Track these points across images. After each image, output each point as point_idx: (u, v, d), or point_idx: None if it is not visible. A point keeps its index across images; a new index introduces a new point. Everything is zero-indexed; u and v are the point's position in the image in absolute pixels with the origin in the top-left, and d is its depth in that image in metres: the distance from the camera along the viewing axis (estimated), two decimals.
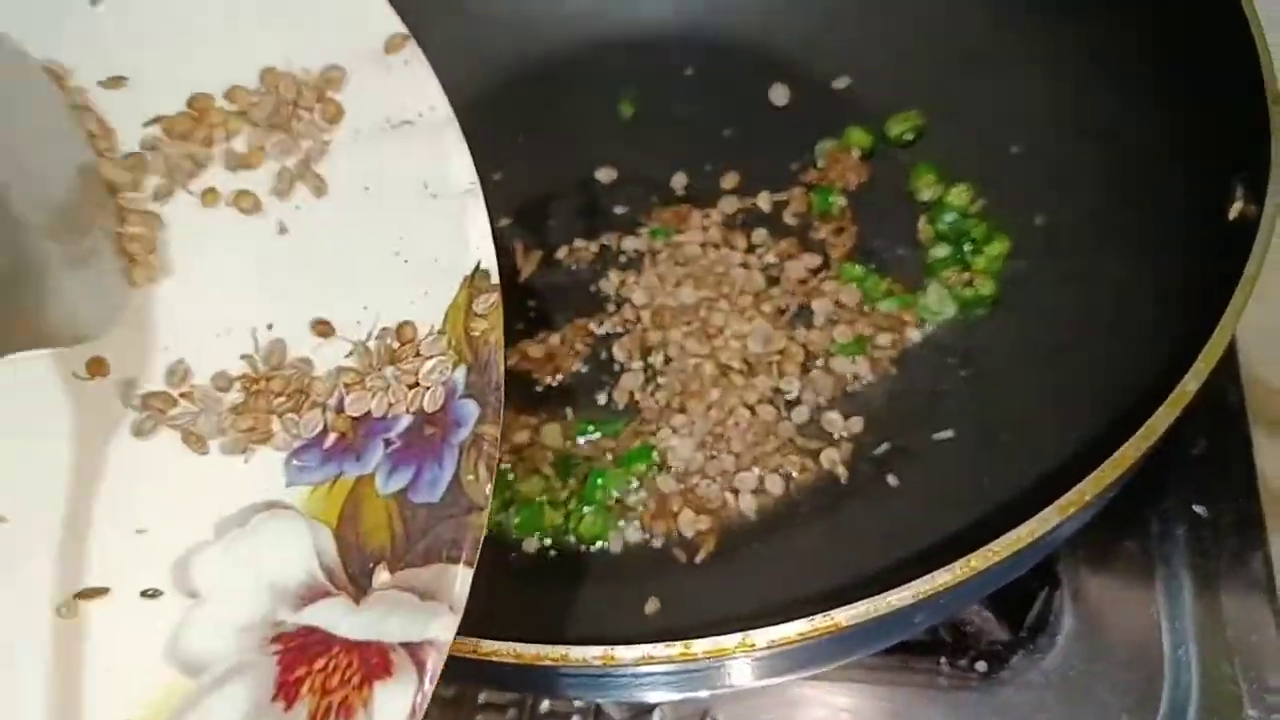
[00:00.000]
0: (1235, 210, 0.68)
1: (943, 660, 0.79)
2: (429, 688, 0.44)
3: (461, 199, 0.58)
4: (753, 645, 0.52)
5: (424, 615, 0.46)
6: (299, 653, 0.45)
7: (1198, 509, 0.85)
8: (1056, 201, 0.85)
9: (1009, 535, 0.54)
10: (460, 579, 0.47)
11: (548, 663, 0.53)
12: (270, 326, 0.57)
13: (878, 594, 0.53)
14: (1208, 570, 0.82)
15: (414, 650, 0.45)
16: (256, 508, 0.50)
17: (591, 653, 0.53)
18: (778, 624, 0.52)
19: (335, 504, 0.50)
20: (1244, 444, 0.88)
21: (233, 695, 0.45)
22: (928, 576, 0.53)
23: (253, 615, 0.47)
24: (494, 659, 0.54)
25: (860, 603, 0.52)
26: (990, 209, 0.88)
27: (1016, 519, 0.55)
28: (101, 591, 0.48)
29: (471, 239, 0.58)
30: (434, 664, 0.45)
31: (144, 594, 0.48)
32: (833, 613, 0.52)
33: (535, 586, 0.75)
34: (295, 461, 0.53)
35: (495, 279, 0.57)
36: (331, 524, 0.49)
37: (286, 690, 0.45)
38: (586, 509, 0.77)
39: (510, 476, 0.79)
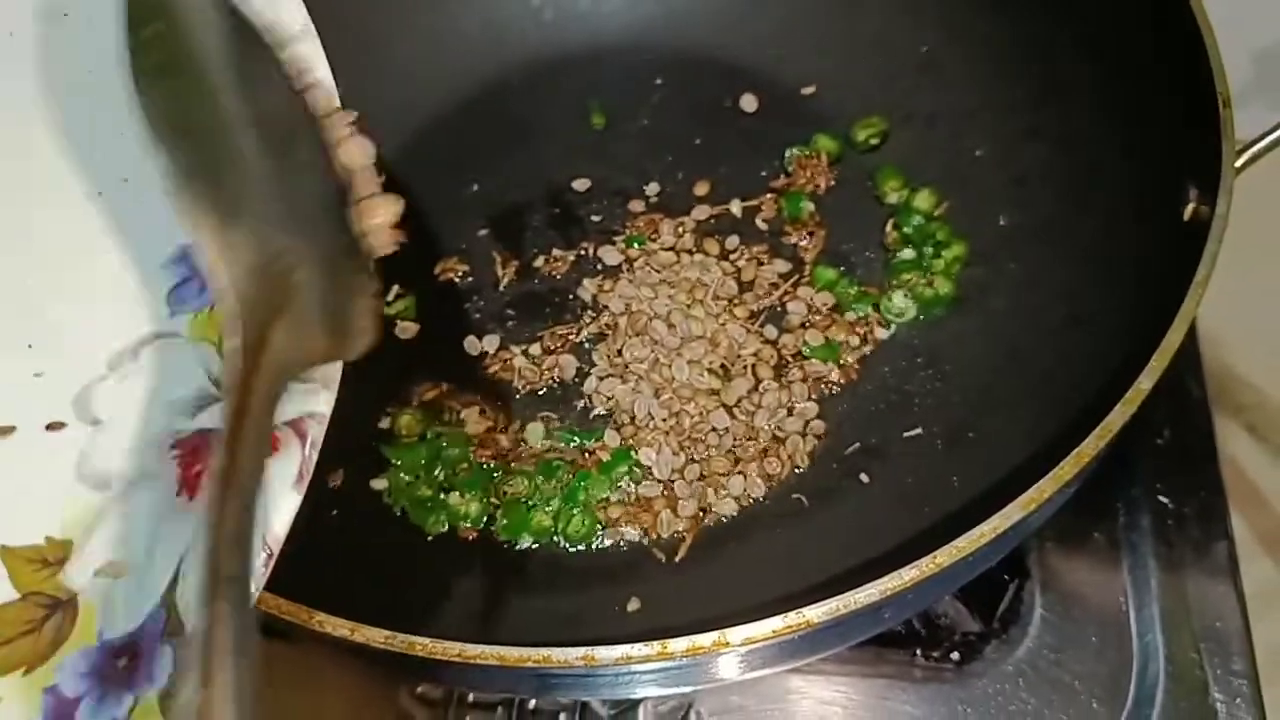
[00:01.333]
0: (1189, 212, 0.70)
1: (917, 652, 0.81)
2: (310, 453, 0.50)
3: None
4: (728, 643, 0.54)
5: (303, 397, 0.51)
6: (196, 453, 0.51)
7: (1163, 499, 0.87)
8: (1016, 204, 0.87)
9: (972, 532, 0.56)
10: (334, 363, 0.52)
11: (531, 665, 0.55)
12: None
13: (846, 592, 0.55)
14: (1173, 558, 0.84)
15: (295, 425, 0.50)
16: (145, 339, 0.54)
17: (573, 654, 0.55)
18: (751, 622, 0.54)
19: (215, 325, 0.54)
20: (1207, 435, 0.90)
21: (141, 499, 0.50)
22: (894, 574, 0.55)
23: (152, 431, 0.52)
24: (479, 662, 0.55)
25: (829, 600, 0.54)
26: (954, 212, 0.90)
27: (984, 515, 0.57)
28: (7, 430, 0.52)
29: None
30: (314, 433, 0.50)
31: (49, 427, 0.52)
32: (804, 610, 0.54)
33: (520, 589, 0.76)
34: (175, 295, 0.56)
35: None
36: (214, 341, 0.54)
37: (189, 485, 0.50)
38: (575, 511, 0.79)
39: (494, 477, 0.81)
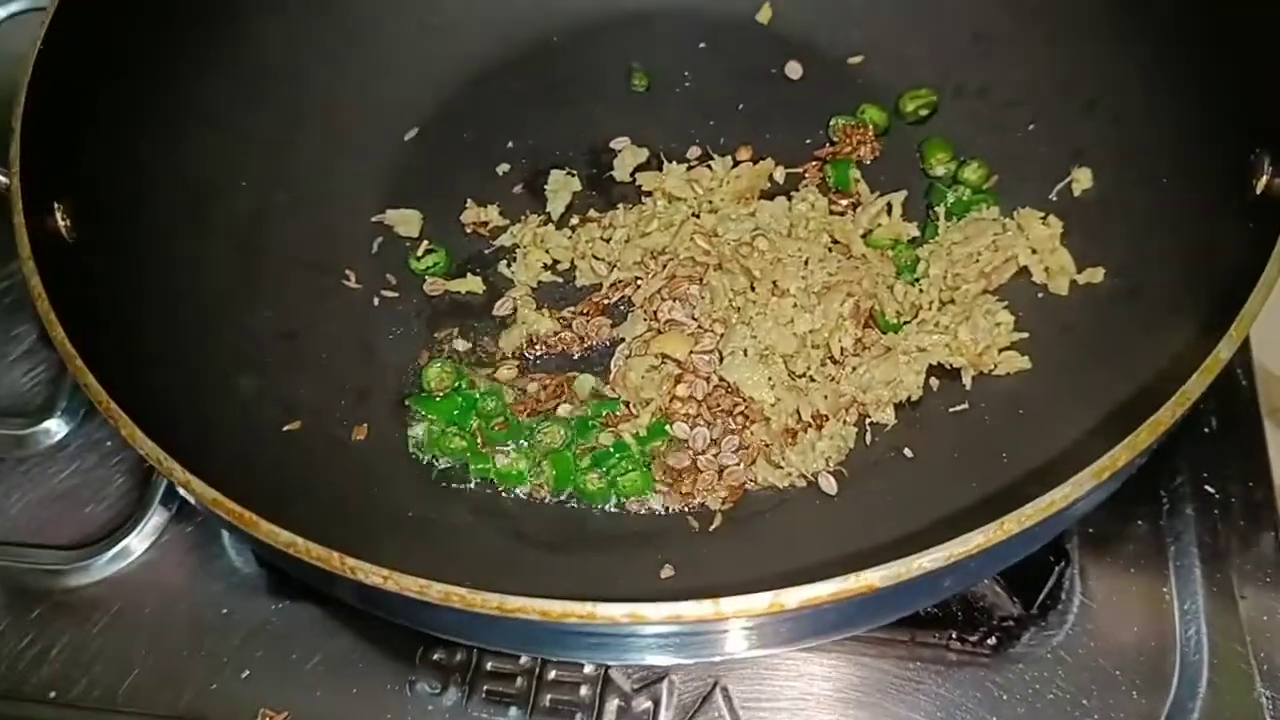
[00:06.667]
0: (1261, 184, 0.67)
1: (953, 635, 0.78)
2: None
3: None
4: (783, 607, 0.51)
5: None
6: None
7: (1209, 488, 0.84)
8: (1071, 179, 0.84)
9: (1043, 499, 0.53)
10: None
11: (574, 619, 0.52)
12: None
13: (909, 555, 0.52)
14: (1218, 549, 0.81)
15: None
16: None
17: (618, 610, 0.52)
18: (810, 584, 0.51)
19: None
20: (1255, 425, 0.87)
21: None
22: (962, 538, 0.52)
23: None
24: (518, 615, 0.53)
25: (894, 563, 0.52)
26: (1005, 186, 0.87)
27: (1041, 488, 0.54)
28: None
29: None
30: None
31: None
32: (865, 573, 0.52)
33: (552, 552, 0.74)
34: None
35: None
36: None
37: None
38: (627, 466, 0.77)
39: (532, 429, 0.79)
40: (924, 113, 0.92)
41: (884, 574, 0.51)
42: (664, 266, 0.84)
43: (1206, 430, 0.87)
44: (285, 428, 0.77)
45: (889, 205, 0.86)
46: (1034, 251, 0.82)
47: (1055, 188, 0.85)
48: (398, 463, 0.79)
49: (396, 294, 0.87)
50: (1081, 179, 0.84)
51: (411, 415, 0.81)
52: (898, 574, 0.51)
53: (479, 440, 0.79)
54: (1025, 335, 0.80)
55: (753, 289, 0.82)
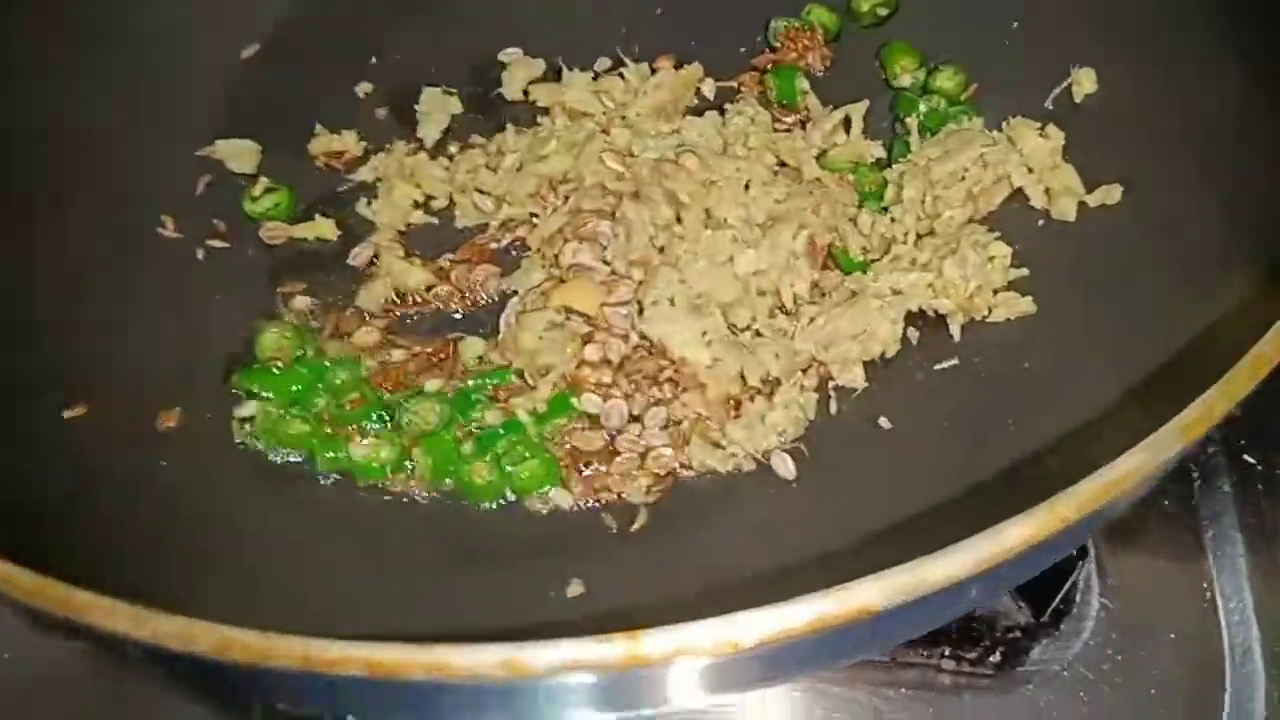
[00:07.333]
0: None
1: (945, 652, 0.66)
2: None
3: None
4: (737, 646, 0.34)
5: None
6: None
7: (1248, 458, 0.72)
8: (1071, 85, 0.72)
9: (1108, 470, 0.37)
10: None
11: (419, 675, 0.35)
12: None
13: (912, 561, 0.36)
14: (1266, 530, 0.70)
15: None
16: None
17: (486, 657, 0.35)
18: (777, 606, 0.33)
19: None
20: None
21: None
22: (992, 531, 0.36)
23: None
24: (336, 671, 0.35)
25: (898, 571, 0.35)
26: (986, 95, 0.74)
27: (1072, 464, 0.40)
28: None
29: None
30: None
31: None
32: (855, 589, 0.35)
33: (421, 570, 0.60)
34: None
35: None
36: None
37: None
38: (523, 453, 0.63)
39: (399, 405, 0.66)
40: (882, 12, 0.79)
41: (885, 589, 0.34)
42: (565, 199, 0.71)
43: None
44: (65, 414, 0.62)
45: (847, 119, 0.74)
46: (1030, 170, 0.70)
47: (1051, 94, 0.73)
48: (219, 457, 0.64)
49: (226, 244, 0.73)
50: (1084, 81, 0.72)
51: (240, 395, 0.66)
52: (905, 589, 0.35)
53: (327, 423, 0.64)
54: (1026, 272, 0.68)
55: (679, 220, 0.68)
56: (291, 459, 0.65)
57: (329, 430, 0.64)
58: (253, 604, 0.41)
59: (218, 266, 0.72)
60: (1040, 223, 0.70)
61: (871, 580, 0.35)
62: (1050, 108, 0.72)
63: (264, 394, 0.65)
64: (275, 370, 0.66)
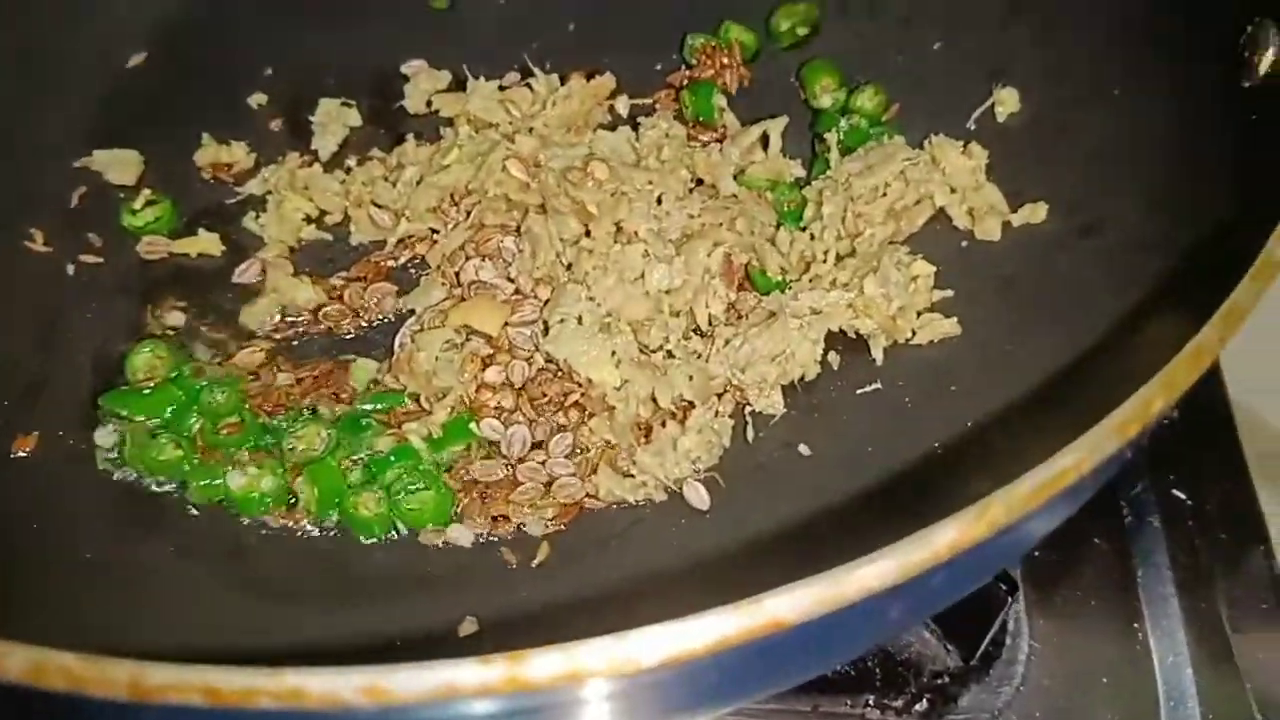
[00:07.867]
0: (1266, 62, 0.52)
1: (869, 701, 0.61)
2: None
3: None
4: (637, 665, 0.29)
5: None
6: None
7: (1178, 492, 0.68)
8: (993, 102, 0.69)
9: (1043, 468, 0.33)
10: None
11: (268, 703, 0.30)
12: None
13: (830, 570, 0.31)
14: (1198, 570, 0.66)
15: None
16: None
17: (346, 682, 0.30)
18: (679, 622, 0.29)
19: None
20: (1224, 409, 0.72)
21: None
22: (919, 535, 0.32)
23: None
24: (169, 700, 0.30)
25: (812, 582, 0.30)
26: (909, 114, 0.71)
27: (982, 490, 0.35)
28: None
29: None
30: None
31: None
32: (766, 601, 0.30)
33: (305, 607, 0.55)
34: None
35: None
36: None
37: None
38: (416, 486, 0.58)
39: (281, 430, 0.60)
40: (802, 32, 0.76)
41: (798, 600, 0.30)
42: (468, 214, 0.67)
43: (1166, 421, 0.69)
44: None
45: (765, 136, 0.70)
46: (953, 190, 0.67)
47: (974, 114, 0.70)
48: (79, 485, 0.58)
49: (100, 259, 0.69)
50: (1006, 101, 0.70)
51: (105, 417, 0.60)
52: (821, 599, 0.30)
53: (201, 450, 0.58)
54: (950, 293, 0.64)
55: (588, 234, 0.64)
56: (164, 488, 0.59)
57: (201, 458, 0.58)
58: (105, 641, 0.36)
59: (89, 282, 0.67)
60: (964, 244, 0.66)
61: (784, 591, 0.31)
62: (973, 128, 0.69)
63: (133, 416, 0.59)
64: (145, 391, 0.59)
